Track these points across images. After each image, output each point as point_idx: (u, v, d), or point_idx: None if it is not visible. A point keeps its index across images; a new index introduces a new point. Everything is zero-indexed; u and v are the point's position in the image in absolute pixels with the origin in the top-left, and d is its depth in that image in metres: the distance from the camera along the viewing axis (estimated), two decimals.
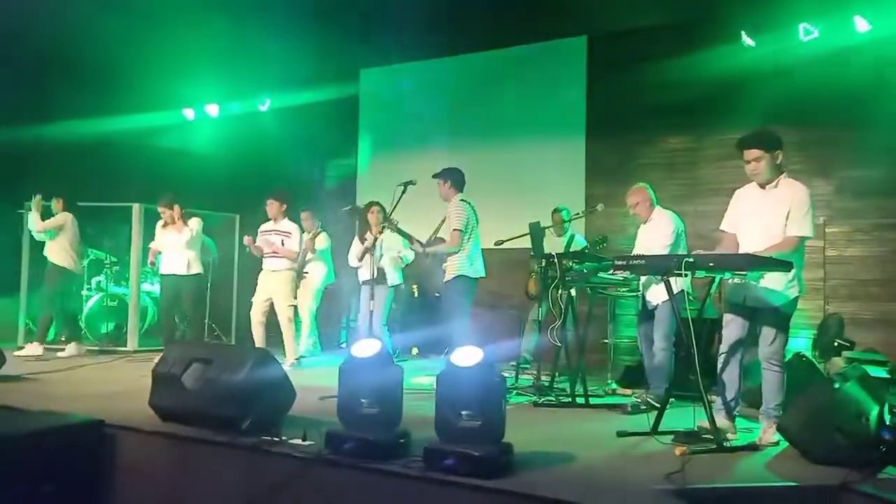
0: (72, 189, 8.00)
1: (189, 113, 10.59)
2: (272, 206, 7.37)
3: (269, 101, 10.26)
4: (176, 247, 7.34)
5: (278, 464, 3.66)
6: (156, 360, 4.63)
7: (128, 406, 4.63)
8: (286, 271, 7.22)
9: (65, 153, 9.26)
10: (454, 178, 6.16)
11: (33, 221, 7.73)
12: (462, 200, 6.08)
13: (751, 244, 4.21)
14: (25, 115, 8.77)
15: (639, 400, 5.28)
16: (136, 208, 8.52)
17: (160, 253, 7.48)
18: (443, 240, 6.15)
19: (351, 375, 3.77)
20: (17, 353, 7.40)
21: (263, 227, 7.43)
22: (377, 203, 7.15)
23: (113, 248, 9.08)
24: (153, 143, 9.96)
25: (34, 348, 7.49)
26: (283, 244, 7.24)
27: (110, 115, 9.36)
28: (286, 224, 7.35)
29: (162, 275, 7.59)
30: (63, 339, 7.76)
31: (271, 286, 7.19)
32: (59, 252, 7.69)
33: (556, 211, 7.34)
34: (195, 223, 7.41)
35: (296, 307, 7.34)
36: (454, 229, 5.96)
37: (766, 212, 4.23)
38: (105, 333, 8.73)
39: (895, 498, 3.04)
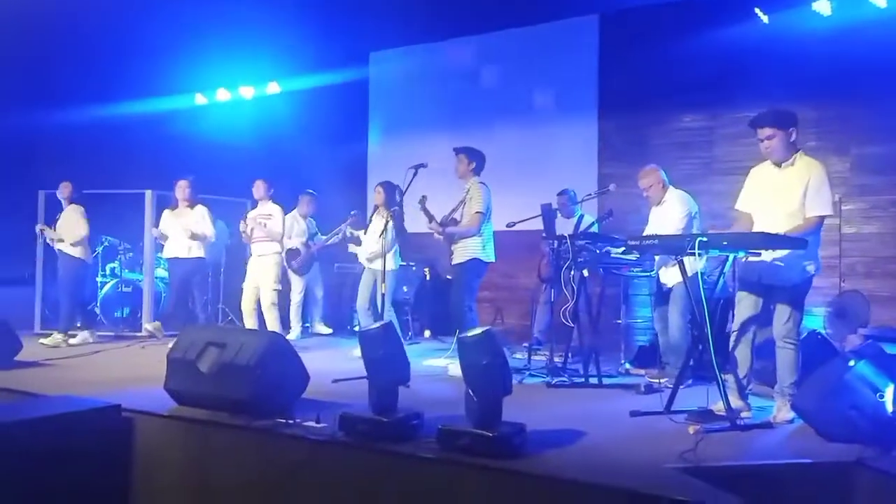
0: (84, 175, 8.02)
1: (200, 98, 10.59)
2: (260, 188, 7.42)
3: (278, 86, 10.23)
4: (179, 231, 7.34)
5: (292, 446, 3.68)
6: (170, 345, 4.67)
7: (144, 391, 4.68)
8: (271, 255, 7.30)
9: (77, 140, 9.29)
10: (477, 160, 6.12)
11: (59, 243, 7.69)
12: (482, 183, 6.06)
13: (767, 223, 4.18)
14: (37, 101, 8.79)
15: (653, 380, 5.27)
16: (149, 194, 8.56)
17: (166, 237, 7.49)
18: (456, 221, 6.13)
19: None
20: (41, 340, 7.47)
21: (251, 213, 7.50)
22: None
23: (126, 234, 9.11)
24: (164, 128, 9.96)
25: (58, 339, 7.49)
26: (264, 226, 7.30)
27: (122, 100, 9.37)
28: (269, 206, 7.40)
29: (167, 259, 7.68)
30: (78, 325, 7.82)
31: (258, 271, 7.26)
32: (73, 245, 7.65)
33: (561, 193, 7.31)
34: (200, 210, 7.41)
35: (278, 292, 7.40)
36: (476, 212, 5.94)
37: (783, 190, 4.20)
38: (120, 319, 8.80)
39: None
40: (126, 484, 4.12)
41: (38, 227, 7.90)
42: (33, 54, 8.53)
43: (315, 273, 8.63)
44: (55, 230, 7.70)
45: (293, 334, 8.12)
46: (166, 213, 7.55)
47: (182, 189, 7.40)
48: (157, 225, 7.72)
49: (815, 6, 7.07)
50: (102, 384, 5.16)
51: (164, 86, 9.80)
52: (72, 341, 7.54)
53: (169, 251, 7.46)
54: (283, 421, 3.86)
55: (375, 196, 7.02)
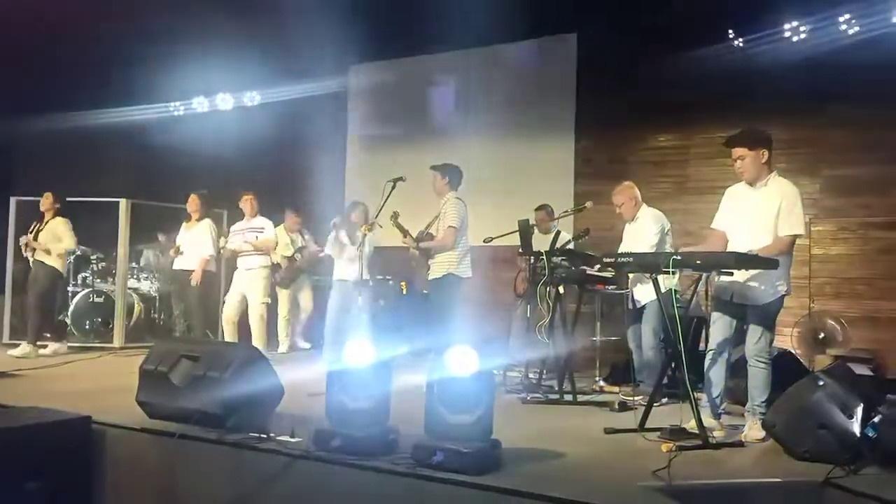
0: (58, 183, 7.94)
1: (178, 107, 10.53)
2: (252, 203, 7.41)
3: (256, 97, 10.21)
4: (189, 244, 7.48)
5: (266, 461, 3.65)
6: (143, 357, 4.62)
7: (115, 403, 4.61)
8: (260, 269, 7.29)
9: (51, 147, 9.19)
10: (452, 176, 6.16)
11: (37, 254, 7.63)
12: (458, 199, 6.09)
13: (741, 242, 4.24)
14: (10, 107, 8.68)
15: (627, 398, 5.30)
16: (123, 204, 8.48)
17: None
18: (432, 236, 6.16)
19: (340, 373, 3.78)
20: (10, 352, 7.34)
21: (236, 226, 7.47)
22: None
23: (99, 243, 9.01)
24: (141, 137, 9.89)
25: (27, 350, 7.38)
26: (256, 238, 7.32)
27: (97, 108, 9.29)
28: (260, 221, 7.42)
29: (174, 270, 7.73)
30: (48, 335, 7.71)
31: (245, 284, 7.23)
32: (51, 256, 7.59)
33: (539, 208, 7.35)
34: (203, 225, 7.50)
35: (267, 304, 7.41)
36: (450, 226, 5.96)
37: (756, 210, 4.28)
38: (91, 330, 8.67)
39: (878, 494, 3.07)
40: (95, 497, 4.06)
41: (22, 242, 7.75)
42: (7, 61, 8.44)
43: (300, 286, 8.55)
44: (36, 240, 7.61)
45: (282, 348, 8.07)
46: (184, 225, 7.68)
47: (189, 203, 7.55)
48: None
49: (788, 31, 7.22)
50: (72, 395, 5.08)
51: (141, 95, 9.75)
52: (42, 352, 7.43)
53: (177, 262, 7.57)
54: (257, 435, 3.82)
55: (357, 215, 6.99)
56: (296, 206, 8.57)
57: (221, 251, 7.44)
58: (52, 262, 7.60)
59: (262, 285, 7.29)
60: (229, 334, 7.21)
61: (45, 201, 7.72)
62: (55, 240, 7.59)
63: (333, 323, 6.79)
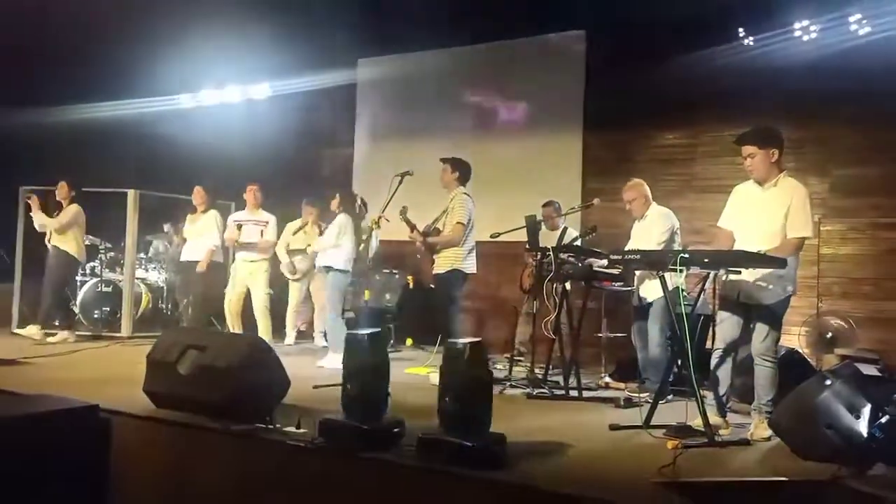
0: (67, 174, 7.99)
1: (185, 100, 10.53)
2: (255, 194, 7.42)
3: (266, 90, 10.21)
4: (195, 235, 7.57)
5: (272, 451, 3.67)
6: (150, 347, 4.64)
7: (122, 391, 4.64)
8: (262, 261, 7.32)
9: (60, 138, 9.19)
10: (462, 170, 6.16)
11: (43, 222, 7.73)
12: (466, 194, 6.08)
13: (748, 242, 4.24)
14: (19, 98, 8.70)
15: (633, 394, 5.30)
16: (132, 194, 8.50)
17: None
18: (439, 231, 6.16)
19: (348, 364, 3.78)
20: (16, 329, 7.45)
21: (238, 216, 7.46)
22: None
23: (107, 233, 9.04)
24: (149, 129, 9.90)
25: (34, 331, 7.46)
26: (262, 235, 7.32)
27: (106, 100, 9.30)
28: (263, 214, 7.42)
29: (181, 262, 7.85)
30: (57, 323, 7.75)
31: (248, 277, 7.24)
32: (66, 239, 7.70)
33: (547, 204, 7.33)
34: (208, 216, 7.57)
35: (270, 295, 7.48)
36: (458, 223, 5.96)
37: (764, 210, 4.27)
38: (99, 319, 8.70)
39: (884, 494, 3.06)
40: (102, 485, 4.08)
41: (27, 196, 7.86)
42: (16, 51, 8.45)
43: (311, 277, 8.49)
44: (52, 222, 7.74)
45: (288, 340, 8.08)
46: (189, 217, 7.77)
47: (195, 195, 7.63)
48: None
49: (798, 30, 7.19)
50: (80, 384, 5.11)
51: (149, 86, 9.74)
52: (50, 339, 7.48)
53: (184, 254, 7.67)
54: (263, 426, 3.85)
55: (335, 202, 7.01)
56: (311, 199, 8.54)
57: (235, 242, 7.43)
58: (67, 246, 7.69)
59: (265, 277, 7.33)
60: (234, 327, 7.23)
61: (61, 190, 7.82)
62: (72, 225, 7.71)
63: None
